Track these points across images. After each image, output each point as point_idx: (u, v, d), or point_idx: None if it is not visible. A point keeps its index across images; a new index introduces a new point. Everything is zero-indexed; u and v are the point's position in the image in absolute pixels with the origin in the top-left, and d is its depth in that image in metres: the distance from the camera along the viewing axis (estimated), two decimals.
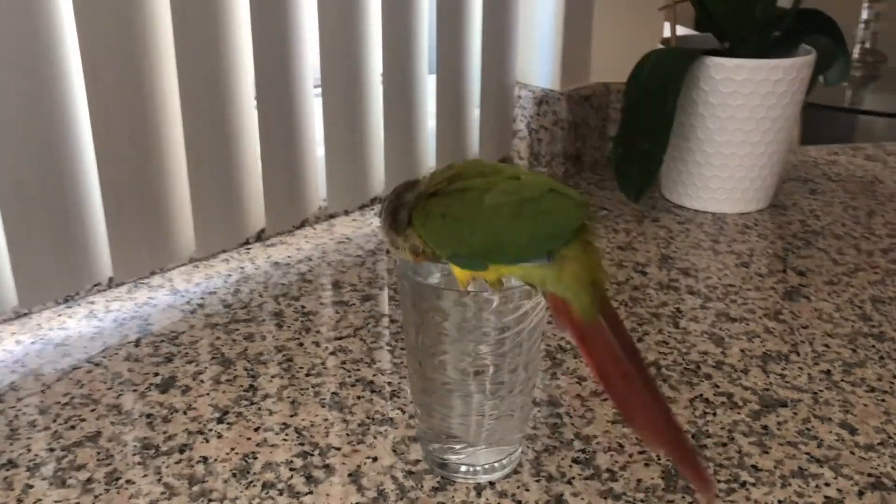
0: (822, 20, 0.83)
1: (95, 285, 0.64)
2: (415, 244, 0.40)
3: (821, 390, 0.53)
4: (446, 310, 0.40)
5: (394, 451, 0.47)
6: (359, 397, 0.52)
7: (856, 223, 0.79)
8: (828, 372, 0.55)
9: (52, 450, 0.47)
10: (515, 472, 0.46)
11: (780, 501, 0.44)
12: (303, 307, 0.63)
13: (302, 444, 0.48)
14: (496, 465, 0.45)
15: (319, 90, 0.73)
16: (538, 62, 0.89)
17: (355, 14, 0.72)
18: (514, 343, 0.41)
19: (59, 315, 0.62)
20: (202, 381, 0.54)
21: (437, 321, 0.41)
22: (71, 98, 0.57)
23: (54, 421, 0.50)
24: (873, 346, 0.58)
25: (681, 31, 0.85)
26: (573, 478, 0.45)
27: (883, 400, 0.52)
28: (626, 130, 0.78)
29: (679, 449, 0.40)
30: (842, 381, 0.54)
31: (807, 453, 0.47)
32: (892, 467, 0.46)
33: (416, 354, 0.43)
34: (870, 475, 0.46)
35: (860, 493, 0.44)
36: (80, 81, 0.57)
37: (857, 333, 0.60)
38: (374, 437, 0.48)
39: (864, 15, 1.95)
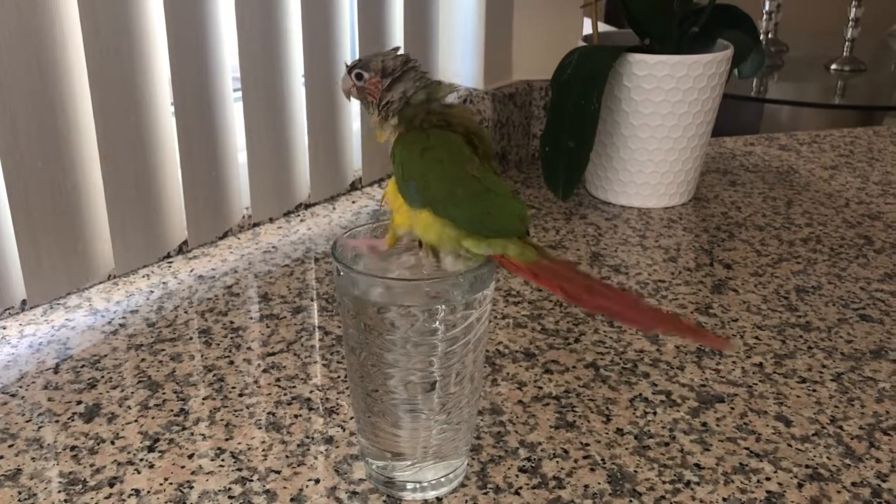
0: (737, 15, 0.85)
1: (7, 309, 0.60)
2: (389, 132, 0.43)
3: (755, 383, 0.54)
4: (393, 323, 0.39)
5: (336, 471, 0.46)
6: (296, 416, 0.50)
7: (776, 213, 0.81)
8: (760, 365, 0.56)
9: None
10: (463, 485, 0.45)
11: (724, 499, 0.44)
12: (231, 322, 0.61)
13: (240, 470, 0.46)
14: (443, 479, 0.44)
15: (239, 94, 0.70)
16: (461, 62, 0.89)
17: (275, 14, 0.70)
18: (462, 354, 0.40)
19: None
20: (129, 408, 0.51)
21: (382, 336, 0.39)
22: None
23: None
24: (801, 337, 0.60)
25: (601, 27, 0.85)
26: (520, 488, 0.45)
27: (814, 390, 0.54)
28: (552, 129, 0.78)
29: (677, 324, 0.46)
30: (774, 373, 0.55)
31: (746, 448, 0.48)
32: (828, 457, 0.47)
33: (359, 373, 0.42)
34: (807, 466, 0.47)
35: (799, 486, 0.45)
36: None
37: (785, 324, 0.61)
38: (315, 458, 0.47)
39: (767, 6, 2.01)
